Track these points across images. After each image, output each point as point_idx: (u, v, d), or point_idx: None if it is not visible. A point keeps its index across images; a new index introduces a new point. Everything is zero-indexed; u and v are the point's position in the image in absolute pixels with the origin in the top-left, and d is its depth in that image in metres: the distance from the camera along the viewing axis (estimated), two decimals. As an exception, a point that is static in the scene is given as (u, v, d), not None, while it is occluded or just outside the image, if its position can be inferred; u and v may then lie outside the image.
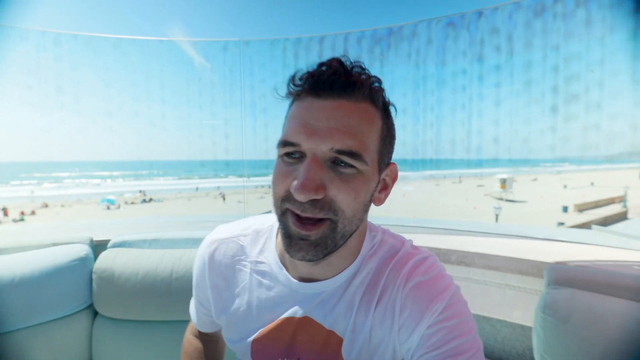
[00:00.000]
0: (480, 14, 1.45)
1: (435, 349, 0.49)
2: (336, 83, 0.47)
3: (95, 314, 1.35)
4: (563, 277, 0.96)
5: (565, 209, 25.44)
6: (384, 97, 0.52)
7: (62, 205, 32.80)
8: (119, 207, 31.11)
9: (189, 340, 0.82)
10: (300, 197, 0.45)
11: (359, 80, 0.48)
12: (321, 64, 0.49)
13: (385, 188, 0.57)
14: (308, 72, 0.49)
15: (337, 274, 0.57)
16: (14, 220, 26.26)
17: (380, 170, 0.53)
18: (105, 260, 1.34)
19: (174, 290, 1.28)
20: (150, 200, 34.77)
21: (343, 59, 0.49)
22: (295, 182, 0.46)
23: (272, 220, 0.66)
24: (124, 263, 1.32)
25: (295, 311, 0.58)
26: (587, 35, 1.23)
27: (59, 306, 1.26)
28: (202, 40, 1.99)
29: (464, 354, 0.48)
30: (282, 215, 0.50)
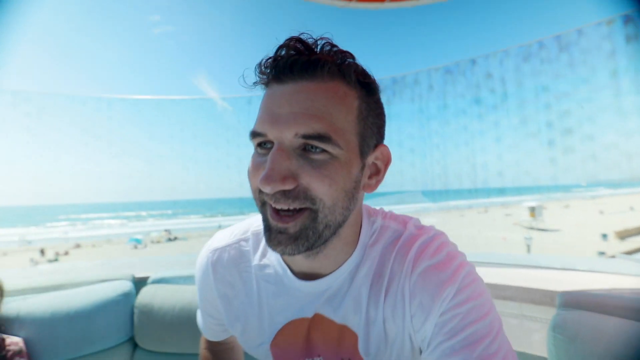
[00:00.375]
0: (473, 61, 1.62)
1: (451, 337, 0.46)
2: (296, 64, 0.44)
3: (135, 346, 1.47)
4: (572, 300, 1.03)
5: (604, 237, 23.71)
6: (359, 73, 0.48)
7: (93, 245, 34.02)
8: (145, 246, 31.87)
9: (204, 355, 0.80)
10: (267, 189, 0.43)
11: (323, 57, 0.44)
12: (280, 46, 0.45)
13: (377, 173, 0.53)
14: (270, 58, 0.46)
15: (338, 267, 0.54)
16: (49, 261, 27.37)
17: (364, 153, 0.48)
18: (146, 296, 1.48)
19: (205, 322, 1.39)
20: (175, 238, 35.54)
21: (304, 37, 0.45)
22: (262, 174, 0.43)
23: None
24: (163, 298, 1.46)
25: (305, 311, 0.57)
26: (572, 74, 1.35)
27: (105, 338, 1.39)
28: (228, 97, 2.24)
29: (482, 340, 0.44)
30: (262, 206, 0.48)
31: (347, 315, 0.54)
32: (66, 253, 29.36)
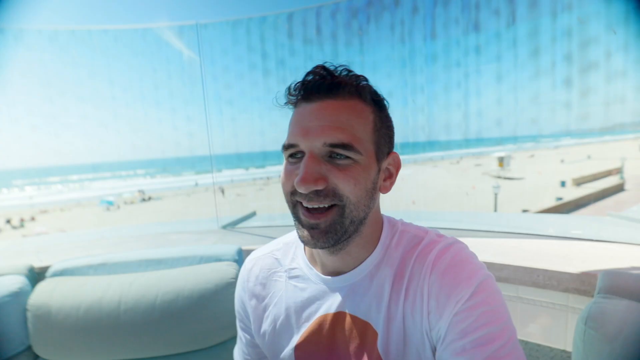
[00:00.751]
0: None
1: (463, 337, 0.48)
2: (322, 86, 0.53)
3: (36, 357, 1.15)
4: (618, 285, 0.79)
5: (563, 184, 25.42)
6: (372, 93, 0.56)
7: (62, 210, 32.62)
8: (118, 207, 31.01)
9: None
10: (302, 189, 0.50)
11: (343, 80, 0.54)
12: (308, 73, 0.55)
13: (390, 176, 0.60)
14: (299, 82, 0.55)
15: (359, 264, 0.59)
16: (14, 227, 26.17)
17: (379, 159, 0.56)
18: (43, 293, 1.13)
19: (122, 324, 1.08)
20: (150, 198, 34.58)
21: (326, 64, 0.55)
22: (297, 177, 0.51)
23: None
24: (63, 295, 1.11)
25: (329, 307, 0.60)
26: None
27: (-11, 352, 1.06)
28: (151, 27, 1.73)
29: (493, 342, 0.46)
30: (294, 207, 0.56)
31: (370, 312, 0.57)
32: (32, 219, 28.05)
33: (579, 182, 25.91)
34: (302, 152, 0.53)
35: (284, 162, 0.57)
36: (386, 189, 0.60)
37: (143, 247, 1.69)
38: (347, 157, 0.52)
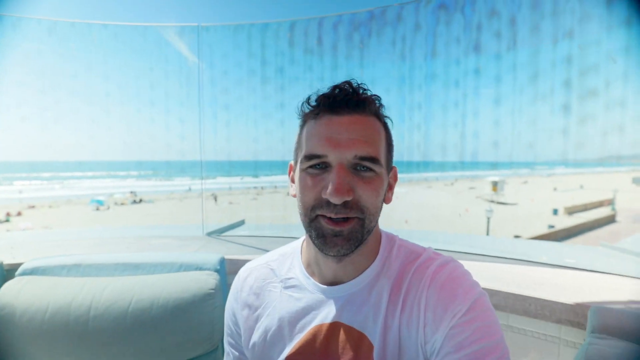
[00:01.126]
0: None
1: (458, 350, 0.49)
2: (351, 101, 0.55)
3: (-4, 362, 1.07)
4: (613, 324, 0.75)
5: (555, 212, 25.63)
6: (383, 112, 0.61)
7: (50, 206, 31.95)
8: (108, 207, 30.44)
9: None
10: (336, 200, 0.51)
11: (368, 98, 0.57)
12: (335, 87, 0.57)
13: (390, 188, 0.63)
14: (323, 95, 0.57)
15: (360, 274, 0.60)
16: (-1, 221, 25.53)
17: (388, 172, 0.60)
18: (7, 294, 1.06)
19: (90, 331, 1.01)
20: (141, 201, 34.06)
21: (352, 81, 0.57)
22: (328, 188, 0.52)
23: (295, 244, 0.71)
24: (31, 296, 1.05)
25: (324, 317, 0.60)
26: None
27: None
28: (153, 25, 1.71)
29: (487, 356, 0.47)
30: (313, 220, 0.55)
31: (367, 323, 0.57)
32: (19, 214, 27.39)
33: (571, 211, 26.17)
34: (326, 164, 0.54)
35: (300, 173, 0.57)
36: (389, 200, 0.63)
37: (123, 249, 1.62)
38: (371, 170, 0.54)
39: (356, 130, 0.54)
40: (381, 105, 0.60)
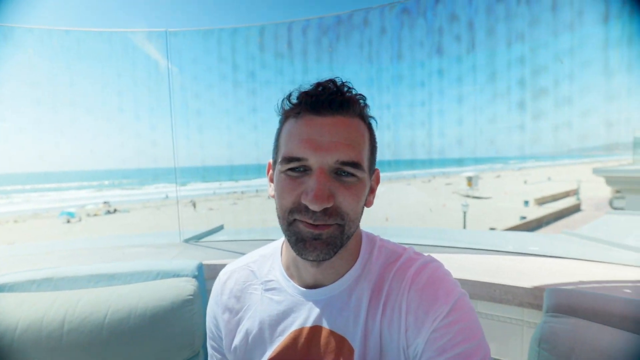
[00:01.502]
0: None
1: (441, 354, 0.49)
2: (334, 101, 0.52)
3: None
4: (565, 303, 0.81)
5: (526, 204, 26.93)
6: (368, 113, 0.58)
7: (15, 221, 30.04)
8: (80, 219, 28.96)
9: None
10: (315, 207, 0.49)
11: (352, 98, 0.54)
12: (318, 84, 0.54)
13: (372, 191, 0.61)
14: (305, 92, 0.54)
15: (340, 277, 0.59)
16: (-44, 240, 23.73)
17: (370, 175, 0.58)
18: (-28, 313, 1.01)
19: (65, 346, 0.98)
20: (115, 211, 32.69)
21: (336, 80, 0.55)
22: (308, 194, 0.50)
23: (275, 244, 0.70)
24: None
25: (304, 320, 0.59)
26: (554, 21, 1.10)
27: None
28: (119, 31, 1.68)
29: (470, 357, 0.48)
30: (290, 225, 0.54)
31: (347, 326, 0.57)
32: (-22, 230, 25.58)
33: (540, 202, 27.62)
34: (307, 167, 0.52)
35: (278, 175, 0.54)
36: (370, 203, 0.61)
37: (96, 261, 1.57)
38: (353, 175, 0.52)
39: (339, 132, 0.51)
40: (366, 105, 0.57)
